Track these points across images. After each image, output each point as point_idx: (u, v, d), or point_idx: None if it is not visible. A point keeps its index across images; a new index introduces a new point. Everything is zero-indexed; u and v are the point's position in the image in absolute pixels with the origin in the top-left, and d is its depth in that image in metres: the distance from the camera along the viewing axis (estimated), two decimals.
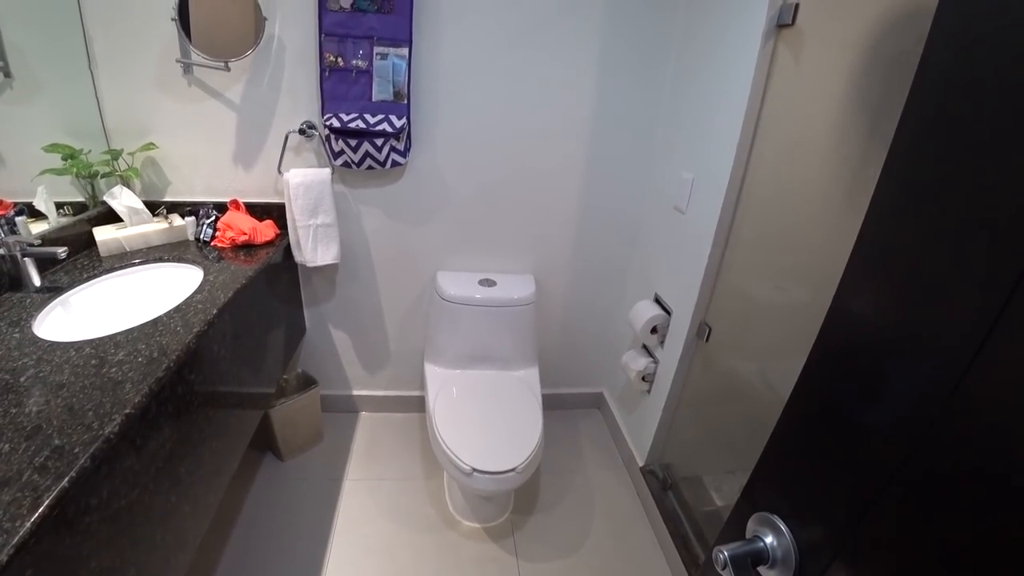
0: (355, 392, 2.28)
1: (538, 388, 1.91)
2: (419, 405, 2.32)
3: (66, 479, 0.69)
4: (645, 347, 1.94)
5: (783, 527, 0.57)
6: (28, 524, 0.62)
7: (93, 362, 0.96)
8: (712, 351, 1.61)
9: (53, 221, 1.46)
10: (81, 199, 1.59)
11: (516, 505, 1.90)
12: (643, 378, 1.90)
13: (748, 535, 0.61)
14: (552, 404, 2.33)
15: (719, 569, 0.58)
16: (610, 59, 1.76)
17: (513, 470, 1.50)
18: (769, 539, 0.58)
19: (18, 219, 1.31)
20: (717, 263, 1.55)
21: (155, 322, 1.13)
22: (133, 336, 1.06)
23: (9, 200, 1.31)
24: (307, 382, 2.06)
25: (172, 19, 1.48)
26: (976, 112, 0.39)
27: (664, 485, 1.84)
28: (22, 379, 0.90)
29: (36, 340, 1.04)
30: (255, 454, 2.04)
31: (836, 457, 0.52)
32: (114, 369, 0.94)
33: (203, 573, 1.58)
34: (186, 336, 1.07)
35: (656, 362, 1.87)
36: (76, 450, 0.74)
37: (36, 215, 1.41)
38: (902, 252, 0.45)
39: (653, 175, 1.93)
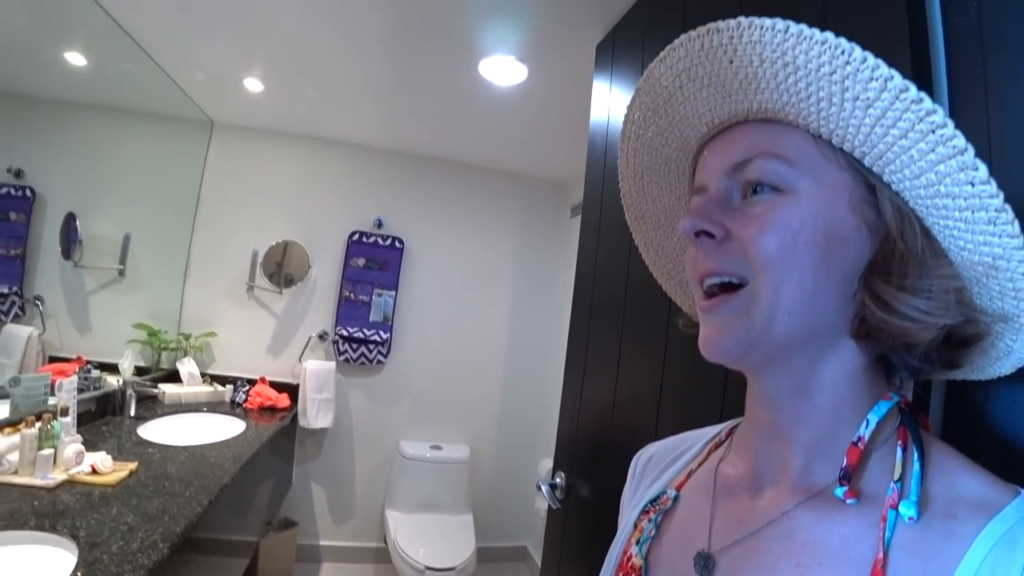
0: (322, 542, 2.77)
1: (472, 528, 2.51)
2: (375, 557, 2.79)
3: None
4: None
5: None
6: None
7: (193, 457, 1.64)
8: None
9: (126, 376, 2.04)
10: (142, 363, 2.21)
11: None
12: None
13: None
14: (482, 557, 2.82)
15: None
16: (521, 297, 2.79)
17: (454, 568, 2.08)
18: None
19: (121, 364, 1.99)
20: None
21: (224, 442, 1.81)
22: (219, 446, 1.74)
23: (84, 358, 1.81)
24: (288, 524, 2.57)
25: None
26: None
27: None
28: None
29: (142, 440, 1.71)
30: None
31: None
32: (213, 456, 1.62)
33: None
34: (247, 452, 1.76)
35: None
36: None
37: (105, 370, 1.88)
38: None
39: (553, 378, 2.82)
